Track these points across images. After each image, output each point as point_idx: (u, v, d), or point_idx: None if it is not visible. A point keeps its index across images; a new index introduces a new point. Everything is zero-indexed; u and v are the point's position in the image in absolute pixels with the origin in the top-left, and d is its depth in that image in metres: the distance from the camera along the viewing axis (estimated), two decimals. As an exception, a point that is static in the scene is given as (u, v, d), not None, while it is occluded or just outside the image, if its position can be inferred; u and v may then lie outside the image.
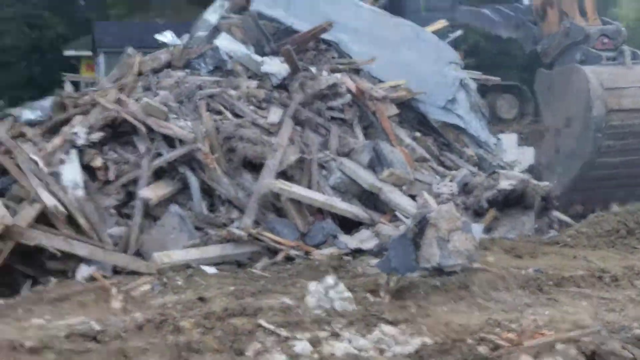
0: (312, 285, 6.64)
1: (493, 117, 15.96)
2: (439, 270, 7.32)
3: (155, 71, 11.96)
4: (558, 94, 13.39)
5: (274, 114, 10.71)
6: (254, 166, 9.79)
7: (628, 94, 12.88)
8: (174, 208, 9.11)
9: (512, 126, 18.14)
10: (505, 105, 19.02)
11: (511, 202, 10.18)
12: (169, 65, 12.16)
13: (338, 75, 11.80)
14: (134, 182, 9.47)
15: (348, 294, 6.56)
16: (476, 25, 17.18)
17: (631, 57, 13.17)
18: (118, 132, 10.13)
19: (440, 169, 11.42)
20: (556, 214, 10.76)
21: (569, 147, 13.17)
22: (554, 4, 13.97)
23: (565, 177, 12.97)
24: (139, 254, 8.60)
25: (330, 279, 6.70)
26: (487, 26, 16.43)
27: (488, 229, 9.81)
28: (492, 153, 12.59)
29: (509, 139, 15.60)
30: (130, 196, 9.39)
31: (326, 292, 6.58)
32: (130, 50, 12.64)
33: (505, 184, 10.11)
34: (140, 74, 11.97)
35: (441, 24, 15.11)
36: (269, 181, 9.41)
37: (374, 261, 8.26)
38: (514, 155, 14.32)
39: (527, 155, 14.75)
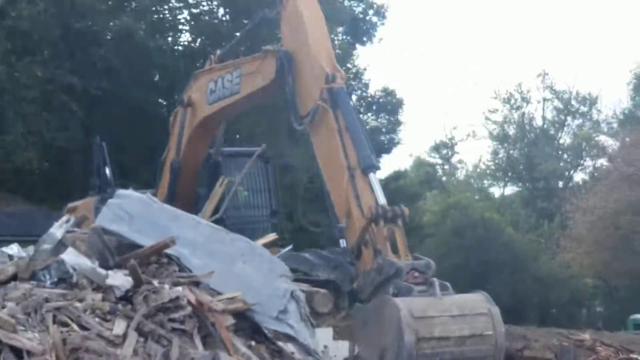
0: None
1: (310, 311, 16.70)
2: None
3: (2, 283, 12.41)
4: (372, 326, 13.74)
5: (119, 326, 11.31)
6: (101, 378, 10.30)
7: (438, 322, 13.24)
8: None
9: (328, 320, 19.06)
10: (322, 299, 19.95)
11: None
12: (15, 277, 12.64)
13: (179, 288, 12.55)
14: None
15: None
16: (297, 267, 18.03)
17: (440, 289, 13.61)
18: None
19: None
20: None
21: None
22: (368, 243, 14.99)
23: None
24: None
25: None
26: (307, 269, 17.42)
27: None
28: (320, 360, 13.43)
29: (324, 333, 16.28)
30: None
31: None
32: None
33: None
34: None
35: (272, 237, 16.18)
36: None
37: None
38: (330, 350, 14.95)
39: (341, 350, 15.30)
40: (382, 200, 14.80)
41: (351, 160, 15.29)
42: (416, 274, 13.98)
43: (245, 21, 30.75)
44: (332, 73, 15.84)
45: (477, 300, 14.06)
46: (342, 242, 15.29)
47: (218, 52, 19.41)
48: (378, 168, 15.30)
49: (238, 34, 20.72)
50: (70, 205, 21.15)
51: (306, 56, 16.35)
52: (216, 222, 16.36)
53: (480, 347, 13.54)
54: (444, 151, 74.02)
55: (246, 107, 20.15)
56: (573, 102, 70.92)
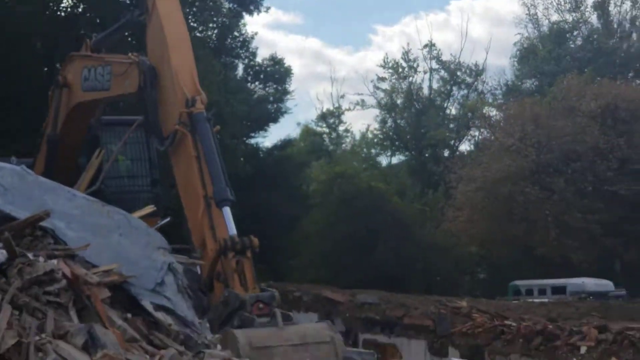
0: None
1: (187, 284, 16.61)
2: None
3: None
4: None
5: (-8, 300, 11.20)
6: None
7: (277, 352, 13.71)
8: None
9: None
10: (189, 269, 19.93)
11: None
12: None
13: (54, 261, 12.45)
14: None
15: None
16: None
17: (283, 319, 14.16)
18: None
19: (150, 348, 12.20)
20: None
21: None
22: (220, 276, 15.05)
23: None
24: None
25: None
26: None
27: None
28: (198, 332, 13.51)
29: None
30: None
31: None
32: None
33: (209, 363, 11.11)
34: None
35: (150, 209, 16.10)
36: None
37: None
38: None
39: None
40: (232, 231, 14.93)
41: (208, 189, 15.33)
42: (261, 305, 14.50)
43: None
44: (192, 97, 15.67)
45: (320, 329, 14.39)
46: (198, 269, 15.36)
47: (94, 37, 19.17)
48: (233, 201, 15.35)
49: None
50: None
51: (168, 75, 16.15)
52: (93, 193, 16.20)
53: None
54: (331, 120, 74.52)
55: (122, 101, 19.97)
56: (459, 73, 72.20)
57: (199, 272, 15.51)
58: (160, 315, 13.22)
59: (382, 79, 71.35)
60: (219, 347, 13.23)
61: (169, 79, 16.14)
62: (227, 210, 15.12)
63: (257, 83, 52.41)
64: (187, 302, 13.85)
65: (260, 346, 13.60)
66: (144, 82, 16.30)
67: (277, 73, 52.22)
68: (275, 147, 52.11)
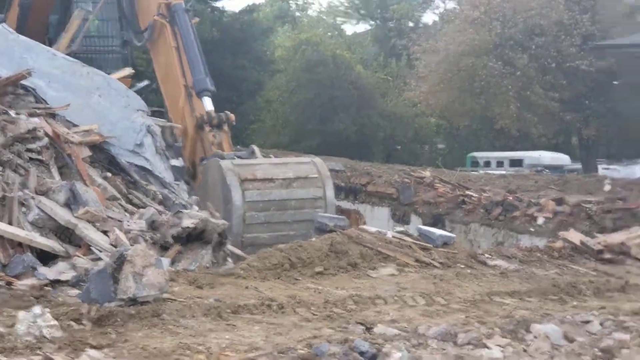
0: (21, 314, 7.32)
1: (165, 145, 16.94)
2: (134, 301, 8.28)
3: None
4: (210, 182, 14.70)
5: (-25, 155, 11.45)
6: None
7: (260, 168, 14.67)
8: None
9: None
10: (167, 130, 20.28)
11: (193, 237, 11.54)
12: None
13: (36, 119, 12.66)
14: None
15: (54, 322, 7.28)
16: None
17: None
18: None
19: (130, 207, 12.60)
20: (231, 248, 12.25)
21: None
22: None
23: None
24: None
25: (37, 308, 7.43)
26: None
27: (173, 262, 11.12)
28: (175, 193, 13.90)
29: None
30: None
31: (34, 320, 7.27)
32: None
33: (188, 222, 11.51)
34: None
35: (128, 71, 16.25)
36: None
37: (73, 291, 9.18)
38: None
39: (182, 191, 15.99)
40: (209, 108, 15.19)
41: (188, 79, 15.43)
42: None
43: None
44: None
45: (299, 157, 15.03)
46: (181, 160, 15.58)
47: None
48: (212, 91, 15.50)
49: None
50: None
51: None
52: (71, 54, 16.26)
53: (308, 188, 14.34)
54: (299, -14, 73.68)
55: None
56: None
57: (183, 164, 15.83)
58: (138, 175, 13.62)
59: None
60: (195, 207, 13.64)
61: None
62: (207, 100, 15.37)
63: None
64: (165, 164, 14.20)
65: (241, 164, 14.10)
66: None
67: None
68: (241, 11, 51.51)
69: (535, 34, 48.89)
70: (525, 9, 49.24)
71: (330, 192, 15.11)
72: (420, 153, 58.70)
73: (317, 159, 15.34)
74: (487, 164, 47.33)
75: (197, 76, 15.57)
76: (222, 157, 14.74)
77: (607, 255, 12.40)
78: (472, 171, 39.07)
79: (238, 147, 16.11)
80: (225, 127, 15.40)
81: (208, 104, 15.56)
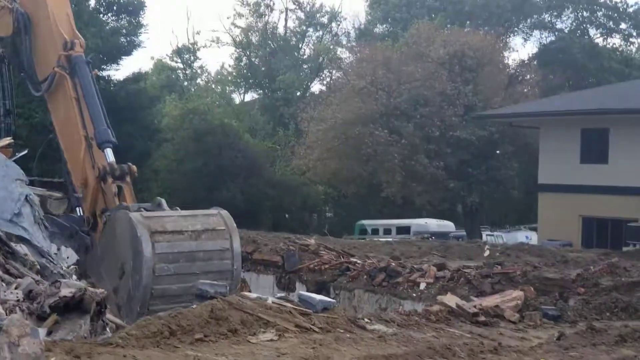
0: None
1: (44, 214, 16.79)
2: (7, 372, 8.31)
3: None
4: (118, 234, 14.61)
5: None
6: None
7: (169, 220, 14.69)
8: None
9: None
10: (55, 203, 20.02)
11: (71, 307, 11.39)
12: None
13: None
14: None
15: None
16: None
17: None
18: None
19: (7, 277, 12.37)
20: (110, 317, 12.14)
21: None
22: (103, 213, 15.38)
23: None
24: None
25: None
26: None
27: (50, 332, 10.94)
28: (54, 262, 13.72)
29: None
30: None
31: None
32: None
33: (66, 291, 11.37)
34: None
35: (8, 141, 16.10)
36: None
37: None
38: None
39: (70, 255, 15.92)
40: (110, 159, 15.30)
41: (89, 130, 15.52)
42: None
43: None
44: (71, 40, 15.79)
45: (206, 210, 15.21)
46: (79, 210, 15.53)
47: None
48: (114, 144, 15.62)
49: None
50: None
51: (44, 20, 16.13)
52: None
53: (215, 240, 14.79)
54: (186, 56, 73.94)
55: None
56: (317, 14, 72.68)
57: (81, 214, 15.70)
58: (16, 245, 13.39)
59: (240, 15, 71.12)
60: (74, 277, 13.50)
61: (45, 23, 16.13)
62: (109, 151, 15.39)
63: (110, 14, 51.53)
64: (43, 233, 14.04)
65: (151, 216, 14.14)
66: (17, 28, 16.25)
67: (130, 5, 51.39)
68: (127, 80, 51.43)
69: (420, 104, 50.19)
70: (409, 79, 50.61)
71: (237, 244, 15.34)
72: (308, 221, 59.10)
73: (224, 211, 15.60)
74: (375, 231, 47.96)
75: (99, 127, 15.58)
76: (128, 209, 14.73)
77: (482, 318, 12.74)
78: (361, 239, 39.52)
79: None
80: (128, 179, 15.42)
81: (110, 155, 15.57)
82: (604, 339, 11.19)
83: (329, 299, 12.85)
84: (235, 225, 15.47)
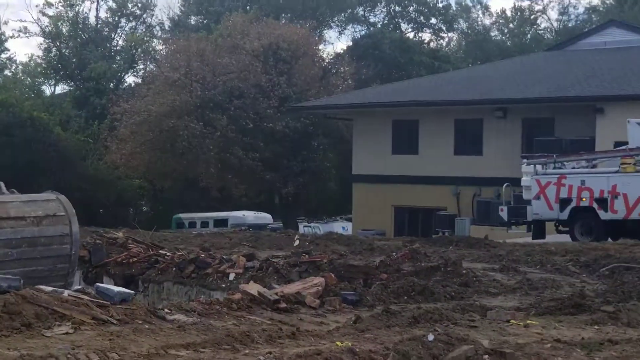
0: None
1: None
2: None
3: None
4: None
5: None
6: None
7: (12, 206, 14.92)
8: None
9: None
10: None
11: None
12: None
13: None
14: None
15: None
16: None
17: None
18: None
19: None
20: None
21: None
22: None
23: None
24: None
25: None
26: None
27: None
28: None
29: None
30: None
31: None
32: None
33: None
34: None
35: None
36: None
37: None
38: None
39: None
40: None
41: None
42: None
43: None
44: None
45: (44, 194, 15.30)
46: None
47: None
48: None
49: None
50: None
51: None
52: None
53: (56, 226, 15.52)
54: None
55: None
56: (129, 4, 71.44)
57: None
58: None
59: (49, 4, 68.97)
60: None
61: None
62: None
63: None
64: None
65: None
66: None
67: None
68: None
69: (235, 96, 50.26)
70: (224, 71, 50.61)
71: (75, 229, 15.96)
72: (124, 216, 58.13)
73: (62, 196, 16.30)
74: (193, 224, 47.75)
75: None
76: None
77: (283, 305, 12.80)
78: (178, 232, 39.22)
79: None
80: None
81: None
82: (398, 321, 11.44)
83: (128, 290, 12.66)
84: (74, 210, 16.07)
